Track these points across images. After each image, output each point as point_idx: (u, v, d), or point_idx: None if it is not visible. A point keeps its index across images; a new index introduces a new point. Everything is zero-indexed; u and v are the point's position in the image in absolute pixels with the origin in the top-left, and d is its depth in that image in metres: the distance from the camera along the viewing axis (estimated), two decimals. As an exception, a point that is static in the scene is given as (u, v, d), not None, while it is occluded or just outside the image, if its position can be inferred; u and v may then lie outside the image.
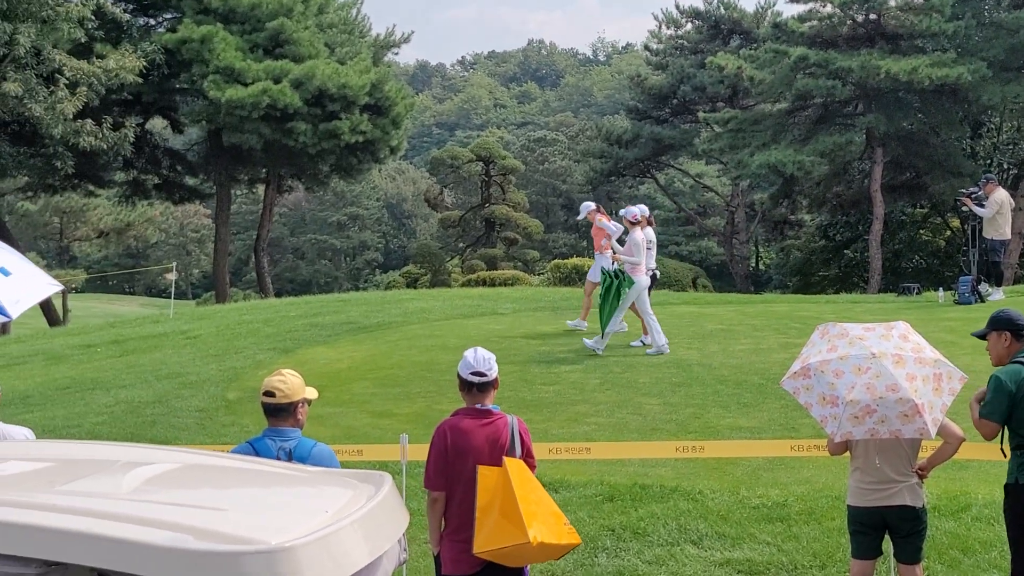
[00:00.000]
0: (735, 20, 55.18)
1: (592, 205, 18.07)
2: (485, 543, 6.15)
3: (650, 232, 16.65)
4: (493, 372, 6.47)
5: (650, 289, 16.77)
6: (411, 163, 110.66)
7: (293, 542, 3.01)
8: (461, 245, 63.92)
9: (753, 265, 63.09)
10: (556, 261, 40.26)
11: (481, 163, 60.87)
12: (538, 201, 79.97)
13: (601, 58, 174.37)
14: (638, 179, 65.21)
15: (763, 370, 14.18)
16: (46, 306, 45.20)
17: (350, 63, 41.76)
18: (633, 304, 16.08)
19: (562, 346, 16.84)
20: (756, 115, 46.94)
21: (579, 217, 17.65)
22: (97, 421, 13.76)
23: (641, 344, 16.59)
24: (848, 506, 7.12)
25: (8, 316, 7.82)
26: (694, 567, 8.35)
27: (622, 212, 16.58)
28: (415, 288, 43.78)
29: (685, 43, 57.51)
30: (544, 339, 17.47)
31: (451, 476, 6.35)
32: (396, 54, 48.83)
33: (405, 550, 3.97)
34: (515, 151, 78.49)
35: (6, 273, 8.06)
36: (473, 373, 6.42)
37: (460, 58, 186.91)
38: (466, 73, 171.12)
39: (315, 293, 46.45)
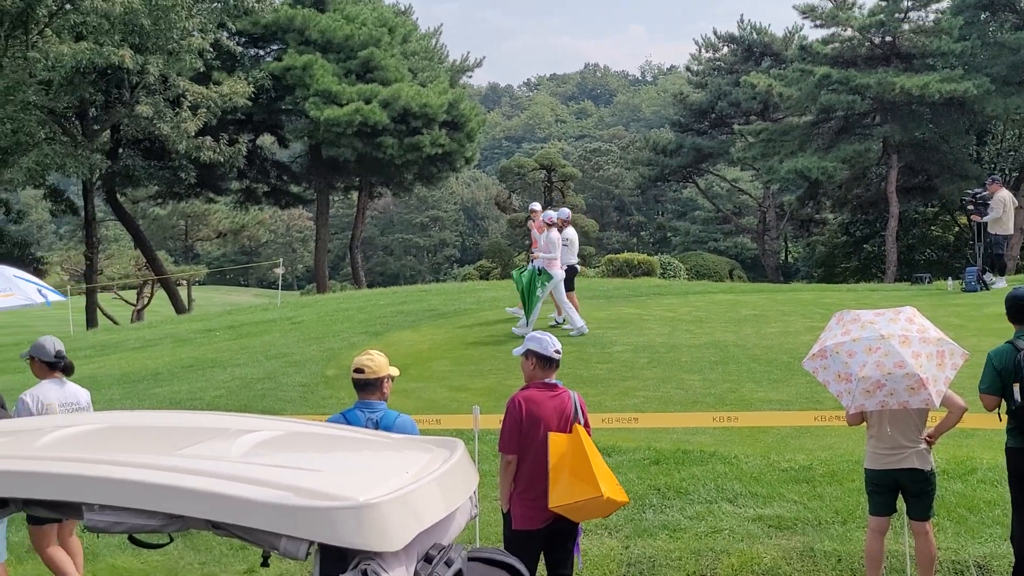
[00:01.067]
0: (766, 44, 54.62)
1: (537, 210, 17.59)
2: (560, 498, 6.20)
3: (569, 232, 16.87)
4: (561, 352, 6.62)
5: (572, 281, 16.89)
6: (484, 172, 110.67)
7: (378, 499, 3.02)
8: (527, 243, 63.81)
9: (782, 258, 62.27)
10: (609, 256, 39.89)
11: (544, 171, 60.75)
12: (593, 204, 79.66)
13: (648, 78, 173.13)
14: (681, 184, 64.86)
15: (791, 350, 14.01)
16: (174, 296, 45.95)
17: (430, 85, 41.92)
18: (551, 293, 16.41)
19: (614, 329, 16.76)
20: (785, 127, 46.49)
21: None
22: (216, 395, 13.93)
23: (556, 324, 16.85)
24: (865, 469, 7.05)
25: None
26: (730, 522, 8.28)
27: (543, 216, 16.71)
28: (487, 280, 43.82)
29: (722, 64, 57.11)
30: (599, 323, 17.38)
31: (523, 442, 6.37)
32: (470, 77, 48.89)
33: (476, 506, 3.96)
34: (573, 160, 78.13)
35: None
36: (555, 351, 6.50)
37: (526, 80, 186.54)
38: (531, 93, 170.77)
39: (401, 285, 46.71)
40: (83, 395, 7.86)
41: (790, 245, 68.26)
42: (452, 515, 3.56)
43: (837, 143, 42.06)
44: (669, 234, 73.86)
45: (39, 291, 8.99)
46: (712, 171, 62.06)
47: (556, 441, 6.29)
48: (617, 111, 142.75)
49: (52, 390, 7.66)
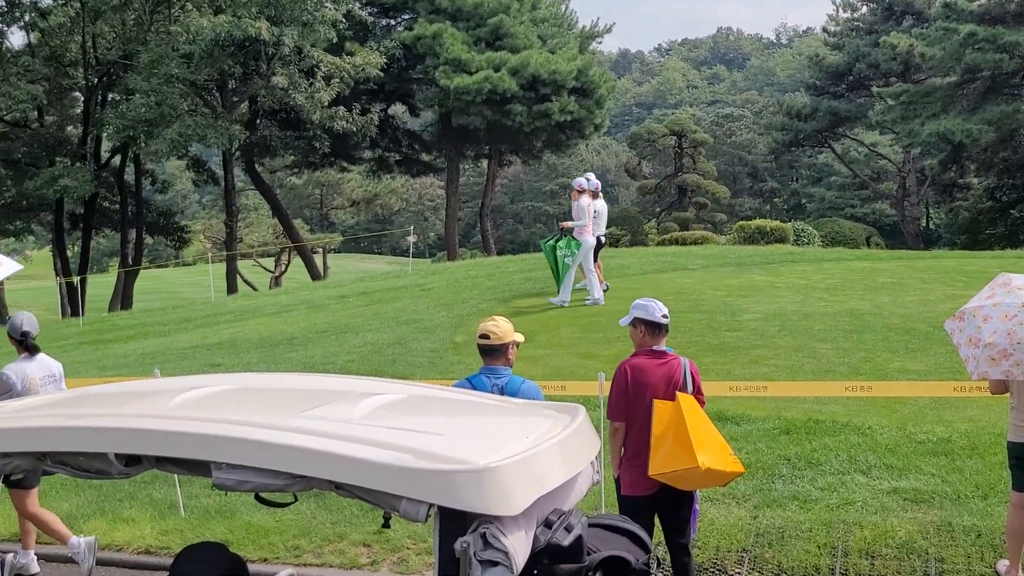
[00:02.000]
0: (907, 2, 52.67)
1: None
2: (659, 466, 6.13)
3: (598, 203, 16.83)
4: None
5: (597, 251, 16.84)
6: (613, 138, 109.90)
7: (498, 463, 3.01)
8: (657, 209, 63.22)
9: (923, 225, 60.27)
10: (741, 222, 39.26)
11: (675, 137, 59.99)
12: (726, 170, 78.28)
13: (783, 41, 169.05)
14: (816, 149, 63.26)
15: (930, 319, 13.53)
16: (310, 264, 47.05)
17: (559, 52, 41.70)
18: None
19: (744, 297, 16.47)
20: (927, 88, 44.82)
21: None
22: (348, 359, 14.20)
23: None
24: (1008, 442, 6.74)
25: None
26: (863, 494, 8.05)
27: (574, 182, 16.88)
28: (616, 247, 43.57)
29: (860, 25, 55.37)
30: (729, 291, 17.11)
31: (631, 409, 6.31)
32: (600, 43, 48.43)
33: (599, 472, 3.93)
34: (705, 126, 76.86)
35: None
36: (663, 316, 6.41)
37: (657, 45, 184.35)
38: (662, 59, 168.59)
39: (531, 252, 46.78)
40: (55, 367, 8.28)
41: (931, 211, 66.01)
42: (573, 481, 3.53)
43: (983, 104, 40.37)
44: (803, 200, 72.16)
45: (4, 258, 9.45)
46: (849, 135, 60.34)
47: (660, 408, 6.21)
48: (751, 75, 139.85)
49: (30, 364, 8.03)
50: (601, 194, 17.40)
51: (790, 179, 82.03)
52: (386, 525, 3.65)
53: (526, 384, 6.11)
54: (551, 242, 16.66)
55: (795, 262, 21.39)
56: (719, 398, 9.85)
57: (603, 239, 17.23)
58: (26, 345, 8.08)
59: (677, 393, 6.24)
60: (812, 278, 18.39)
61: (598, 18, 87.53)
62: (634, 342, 6.54)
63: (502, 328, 6.21)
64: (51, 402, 4.12)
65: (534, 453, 3.23)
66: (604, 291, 17.00)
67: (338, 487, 3.07)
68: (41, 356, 8.19)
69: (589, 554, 3.56)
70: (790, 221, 43.42)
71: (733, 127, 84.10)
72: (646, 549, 3.96)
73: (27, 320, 8.12)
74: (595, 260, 16.88)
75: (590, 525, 3.70)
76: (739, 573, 7.26)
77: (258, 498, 3.84)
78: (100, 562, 8.49)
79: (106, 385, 5.17)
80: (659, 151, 63.54)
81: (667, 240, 43.24)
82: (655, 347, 6.40)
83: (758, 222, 37.41)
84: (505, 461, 3.05)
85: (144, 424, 3.35)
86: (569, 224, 16.48)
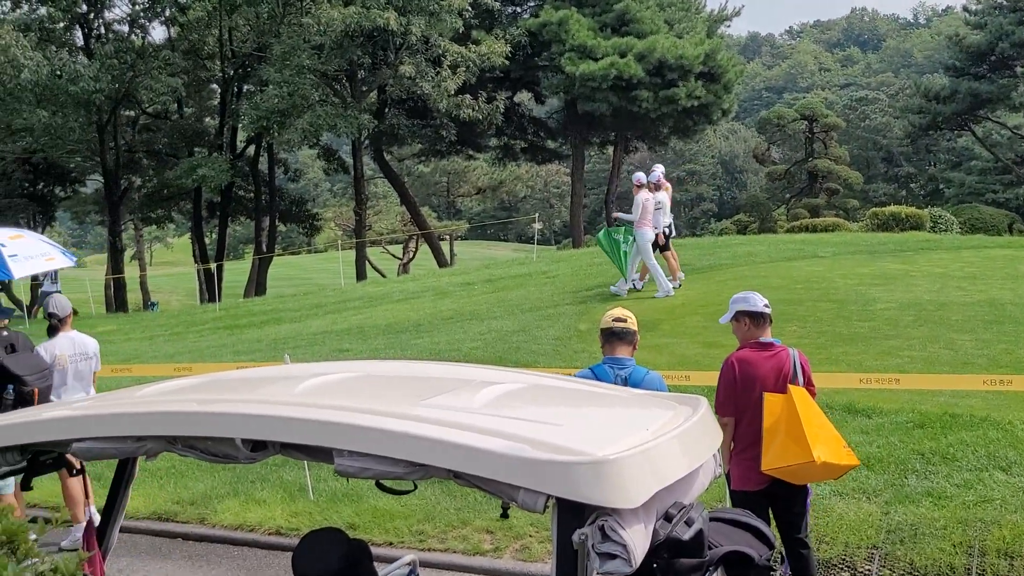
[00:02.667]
0: (1055, -23, 50.29)
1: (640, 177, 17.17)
2: (772, 461, 6.00)
3: (661, 195, 16.76)
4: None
5: (663, 245, 16.89)
6: (742, 123, 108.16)
7: (617, 455, 2.97)
8: (786, 196, 62.04)
9: (1071, 210, 57.56)
10: (874, 209, 38.17)
11: (805, 122, 58.73)
12: (859, 155, 76.28)
13: (921, 21, 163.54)
14: (955, 132, 61.07)
15: (1077, 309, 12.94)
16: (436, 251, 47.63)
17: (686, 37, 41.19)
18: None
19: (877, 286, 16.01)
20: (1075, 67, 42.74)
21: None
22: (472, 346, 14.31)
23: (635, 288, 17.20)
24: None
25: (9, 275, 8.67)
26: (1002, 491, 7.73)
27: (633, 177, 17.06)
28: (744, 234, 42.90)
29: (1004, 2, 53.09)
30: (861, 279, 16.66)
31: (739, 403, 6.20)
32: (728, 27, 47.62)
33: (720, 465, 3.86)
34: (837, 110, 74.95)
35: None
36: (765, 305, 6.32)
37: (788, 28, 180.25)
38: (793, 41, 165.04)
39: (657, 239, 46.39)
40: (91, 345, 8.91)
41: (1082, 196, 63.06)
42: (694, 474, 3.47)
43: None
44: (941, 186, 69.75)
45: (63, 253, 9.76)
46: (991, 118, 58.01)
47: (771, 402, 6.07)
48: (886, 57, 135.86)
49: (64, 341, 8.71)
50: (666, 184, 17.37)
51: (927, 164, 79.43)
52: (504, 515, 3.65)
53: (650, 375, 6.04)
54: (607, 233, 16.96)
55: (932, 250, 20.71)
56: (849, 390, 9.60)
57: (667, 231, 17.13)
58: (50, 325, 8.71)
59: (788, 386, 6.10)
60: (949, 266, 17.77)
61: (726, 1, 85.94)
62: (738, 337, 6.43)
63: (631, 316, 6.19)
64: (182, 387, 4.24)
65: (654, 445, 3.18)
66: (677, 286, 16.99)
67: (457, 476, 3.08)
68: (73, 334, 8.82)
69: (710, 548, 3.50)
70: (927, 207, 41.93)
71: (867, 110, 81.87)
72: (769, 545, 3.87)
73: (52, 302, 8.75)
74: (665, 250, 16.97)
75: (711, 519, 3.64)
76: (869, 571, 7.06)
77: (379, 485, 3.88)
78: (233, 542, 8.77)
79: (234, 371, 5.31)
80: (789, 136, 62.32)
81: (797, 227, 42.35)
82: (762, 339, 6.27)
83: (892, 208, 36.29)
84: (624, 453, 3.01)
85: (269, 411, 3.42)
86: (620, 215, 16.97)
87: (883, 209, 36.18)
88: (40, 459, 4.22)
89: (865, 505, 7.83)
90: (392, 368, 4.57)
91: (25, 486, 4.45)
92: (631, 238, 16.39)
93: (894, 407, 9.62)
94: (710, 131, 70.88)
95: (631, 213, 16.48)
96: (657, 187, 16.88)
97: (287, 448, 3.35)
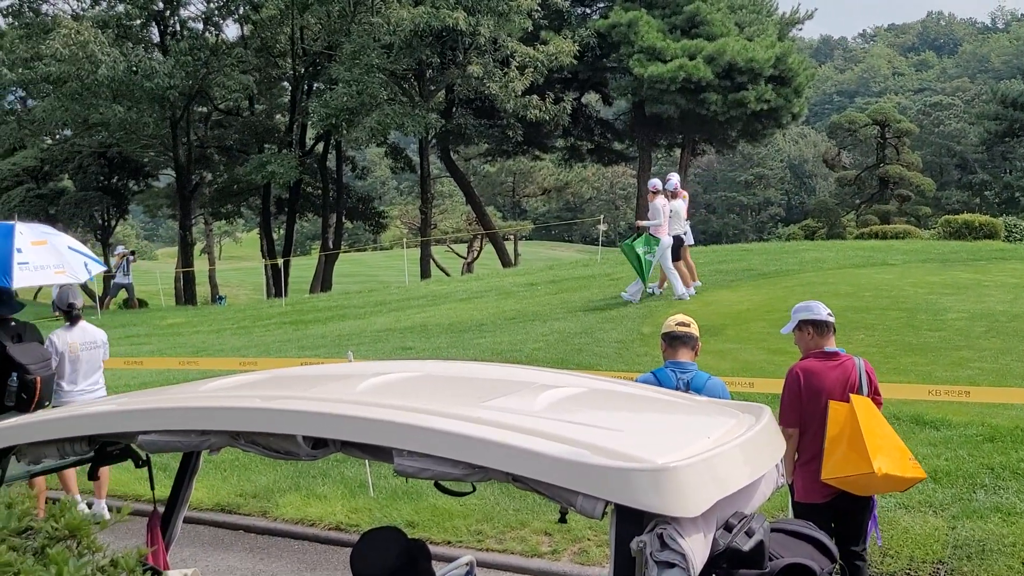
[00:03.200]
0: None
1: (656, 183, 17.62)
2: (832, 471, 5.91)
3: (676, 203, 17.10)
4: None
5: (678, 250, 17.19)
6: (812, 127, 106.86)
7: (677, 463, 2.94)
8: (856, 201, 61.20)
9: None
10: (947, 216, 37.43)
11: (877, 127, 57.90)
12: (932, 161, 74.98)
13: (999, 25, 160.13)
14: (1034, 139, 59.72)
15: None
16: (501, 251, 47.72)
17: (757, 39, 40.81)
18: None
19: (948, 295, 15.70)
20: None
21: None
22: (534, 347, 14.30)
23: (653, 292, 17.66)
24: None
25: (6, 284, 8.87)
26: (1074, 510, 7.54)
27: (649, 184, 17.59)
28: (812, 240, 42.38)
29: (1086, 6, 51.84)
30: (931, 288, 16.36)
31: (804, 414, 6.12)
32: (800, 30, 47.20)
33: (783, 475, 3.80)
34: (911, 115, 73.80)
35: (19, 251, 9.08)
36: (828, 314, 6.23)
37: (861, 31, 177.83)
38: (866, 45, 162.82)
39: (723, 243, 46.05)
40: (100, 335, 9.44)
41: None
42: (756, 484, 3.42)
43: None
44: (1018, 194, 68.23)
45: (85, 265, 9.91)
46: (1070, 125, 56.69)
47: (836, 411, 5.98)
48: (962, 62, 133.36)
49: (71, 332, 9.22)
50: (683, 192, 17.90)
51: (1003, 171, 77.74)
52: (562, 520, 3.63)
53: (712, 381, 5.99)
54: (630, 242, 17.15)
55: (1006, 259, 20.27)
56: (917, 401, 9.42)
57: (684, 237, 17.40)
58: (71, 316, 9.17)
59: (851, 395, 6.00)
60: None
61: (799, 4, 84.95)
62: (801, 347, 6.35)
63: (694, 322, 6.16)
64: (246, 383, 4.29)
65: (716, 454, 3.14)
66: (692, 294, 17.20)
67: (516, 479, 3.07)
68: (83, 324, 9.34)
69: (771, 560, 3.44)
70: (1001, 216, 41.05)
71: (941, 116, 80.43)
72: (832, 558, 3.80)
73: (74, 293, 9.25)
74: (679, 259, 17.25)
75: (773, 530, 3.59)
76: (934, 586, 6.93)
77: (438, 486, 3.89)
78: (294, 535, 8.87)
79: (297, 368, 5.36)
80: (860, 141, 61.50)
81: (866, 234, 41.73)
82: (826, 348, 6.18)
83: (966, 216, 35.56)
84: (685, 461, 2.98)
85: (330, 408, 3.44)
86: (644, 223, 17.25)
87: (956, 217, 35.46)
88: (107, 450, 4.30)
89: (931, 519, 7.68)
90: (453, 369, 4.58)
91: (92, 476, 4.54)
92: (653, 246, 16.75)
93: (964, 420, 9.42)
94: (779, 135, 70.21)
95: (650, 220, 16.91)
96: (674, 195, 17.30)
97: (347, 446, 3.37)
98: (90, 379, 9.30)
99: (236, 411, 3.59)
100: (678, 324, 6.10)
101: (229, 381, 4.42)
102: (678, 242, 17.16)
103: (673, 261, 17.09)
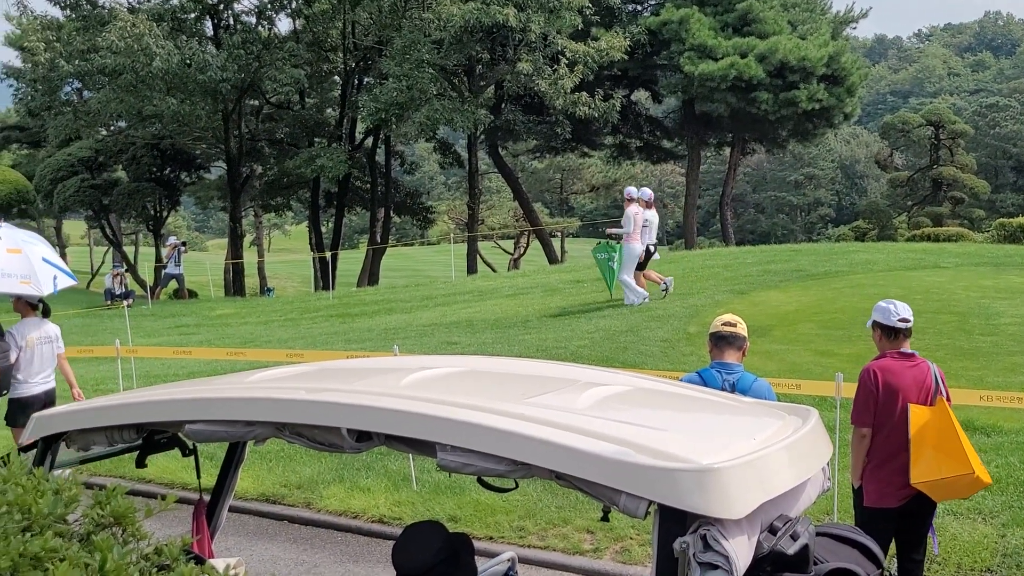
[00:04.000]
0: None
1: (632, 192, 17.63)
2: (923, 474, 5.80)
3: (650, 214, 17.19)
4: (912, 320, 6.16)
5: (646, 261, 17.44)
6: (865, 128, 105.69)
7: (721, 464, 2.92)
8: (908, 203, 60.42)
9: None
10: (1002, 220, 36.83)
11: (931, 128, 57.12)
12: (987, 163, 73.87)
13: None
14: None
15: None
16: (547, 247, 47.64)
17: (810, 38, 40.43)
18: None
19: (1002, 300, 15.44)
20: None
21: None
22: (580, 344, 14.27)
23: (666, 291, 17.83)
24: None
25: None
26: None
27: (625, 191, 17.54)
28: (863, 241, 41.91)
29: None
30: (984, 292, 16.10)
31: (879, 414, 6.00)
32: (854, 28, 46.69)
33: (829, 479, 3.76)
34: (966, 117, 72.73)
35: None
36: (900, 320, 6.07)
37: (916, 31, 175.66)
38: (921, 45, 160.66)
39: (772, 244, 45.67)
40: (52, 329, 9.88)
41: None
42: (802, 486, 3.39)
43: None
44: (1075, 197, 67.00)
45: (54, 279, 9.97)
46: None
47: (918, 413, 5.86)
48: (1020, 63, 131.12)
49: (31, 326, 9.69)
50: (654, 205, 17.95)
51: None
52: (605, 519, 3.62)
53: (758, 382, 5.93)
54: (593, 250, 17.59)
55: (1061, 263, 19.89)
56: (968, 406, 9.27)
57: (652, 248, 17.59)
58: (44, 310, 9.76)
59: (939, 398, 5.91)
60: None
61: (853, 2, 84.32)
62: (877, 344, 6.25)
63: (742, 322, 6.11)
64: (292, 375, 4.32)
65: (761, 455, 3.11)
66: (647, 301, 17.27)
67: (559, 477, 3.06)
68: (46, 321, 9.87)
69: (816, 564, 3.41)
70: (1058, 219, 40.28)
71: (997, 118, 79.20)
72: (878, 564, 3.76)
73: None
74: (644, 268, 17.44)
75: (818, 534, 3.55)
76: (982, 594, 6.82)
77: (480, 481, 3.89)
78: (337, 527, 8.92)
79: (343, 361, 5.39)
80: (913, 142, 60.70)
81: (918, 236, 41.22)
82: (902, 349, 6.08)
83: (1021, 220, 34.96)
84: (729, 462, 2.95)
85: (375, 402, 3.46)
86: (614, 230, 17.53)
87: (1011, 220, 34.88)
88: (155, 438, 4.35)
89: (981, 526, 7.57)
90: (498, 365, 4.58)
91: (140, 463, 4.60)
92: (612, 252, 17.13)
93: (1016, 426, 9.28)
94: (830, 135, 69.46)
95: (622, 227, 17.09)
96: (648, 205, 17.40)
97: (391, 440, 3.38)
98: (43, 372, 9.74)
99: (282, 402, 3.62)
100: (724, 324, 6.05)
101: (276, 372, 4.45)
102: (647, 253, 17.37)
103: (638, 270, 17.31)
